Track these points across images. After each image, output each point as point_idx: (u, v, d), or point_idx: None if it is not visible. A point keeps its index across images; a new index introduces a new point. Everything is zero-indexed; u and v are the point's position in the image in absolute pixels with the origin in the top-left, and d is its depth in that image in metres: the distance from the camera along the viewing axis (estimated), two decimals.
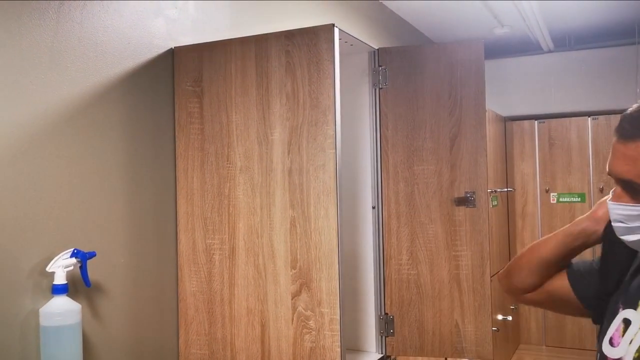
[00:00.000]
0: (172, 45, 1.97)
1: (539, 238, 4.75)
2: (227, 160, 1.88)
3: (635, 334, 0.99)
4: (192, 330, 1.92)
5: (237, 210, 1.86)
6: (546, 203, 4.81)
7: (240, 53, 1.86)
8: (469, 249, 1.99)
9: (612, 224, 1.00)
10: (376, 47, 2.11)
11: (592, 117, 4.69)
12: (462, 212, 1.99)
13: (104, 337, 1.71)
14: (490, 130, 4.12)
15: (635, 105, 0.99)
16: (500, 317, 4.01)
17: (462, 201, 1.98)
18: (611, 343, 1.04)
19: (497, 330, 3.89)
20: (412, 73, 2.06)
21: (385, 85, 2.08)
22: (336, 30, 1.75)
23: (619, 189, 0.99)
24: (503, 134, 4.63)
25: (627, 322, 1.03)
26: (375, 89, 2.10)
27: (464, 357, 2.03)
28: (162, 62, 1.93)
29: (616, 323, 1.04)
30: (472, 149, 2.00)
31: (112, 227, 1.74)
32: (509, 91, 4.95)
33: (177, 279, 1.95)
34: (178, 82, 1.95)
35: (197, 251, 1.91)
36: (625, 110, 1.04)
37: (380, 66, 2.08)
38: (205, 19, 2.11)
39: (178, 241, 1.95)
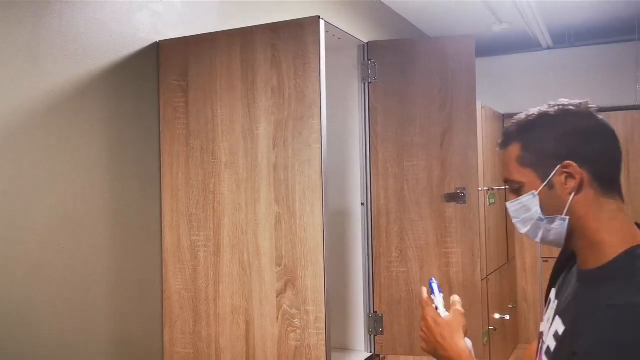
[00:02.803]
0: (158, 39, 1.93)
1: None
2: (213, 156, 1.85)
3: (551, 310, 1.15)
4: (177, 328, 1.88)
5: (222, 206, 1.83)
6: None
7: (226, 47, 1.83)
8: (460, 246, 1.95)
9: (513, 222, 1.16)
10: (366, 41, 2.07)
11: None
12: (452, 208, 1.96)
13: (87, 336, 1.68)
14: (488, 127, 4.08)
15: (511, 122, 1.17)
16: (497, 316, 3.97)
17: (453, 197, 1.95)
18: (542, 319, 1.22)
19: (495, 330, 3.85)
20: (403, 67, 2.02)
21: (375, 79, 2.04)
22: (322, 23, 1.71)
23: (509, 191, 1.16)
24: (501, 131, 4.58)
25: (548, 302, 1.20)
26: (364, 84, 2.06)
27: None
28: (147, 56, 1.90)
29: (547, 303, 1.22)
30: (462, 145, 1.97)
31: (94, 224, 1.71)
32: (508, 88, 4.91)
33: (162, 277, 1.92)
34: (163, 77, 1.92)
35: (182, 248, 1.88)
36: (623, 107, 1.19)
37: (370, 60, 2.05)
38: (191, 12, 2.07)
39: (163, 238, 1.92)
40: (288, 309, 1.72)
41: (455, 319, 1.28)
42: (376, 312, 2.02)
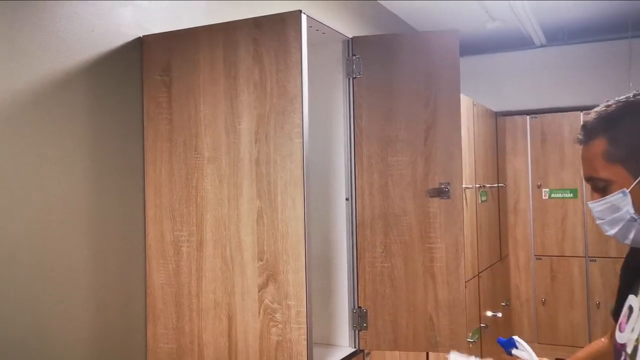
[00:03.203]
0: (141, 33, 1.93)
1: (531, 234, 4.72)
2: (195, 151, 1.84)
3: (636, 320, 1.04)
4: (160, 323, 1.88)
5: (204, 201, 1.82)
6: (538, 199, 4.76)
7: (208, 42, 1.83)
8: (444, 241, 1.95)
9: (597, 222, 1.09)
10: (351, 36, 2.07)
11: (584, 112, 4.64)
12: (436, 203, 1.95)
13: (69, 331, 1.67)
14: (480, 125, 4.07)
15: (590, 115, 1.11)
16: (489, 313, 3.97)
17: (437, 192, 1.94)
18: (620, 329, 1.10)
19: (487, 327, 3.85)
20: (387, 62, 2.02)
21: (360, 74, 2.04)
22: (304, 18, 1.71)
23: (591, 190, 1.10)
24: (494, 129, 4.58)
25: (631, 309, 1.08)
26: (349, 79, 2.06)
27: (439, 351, 1.99)
28: (130, 51, 1.90)
29: (624, 310, 1.10)
30: (446, 140, 1.97)
31: (76, 220, 1.71)
32: (502, 86, 4.90)
33: (146, 272, 1.91)
34: (147, 72, 1.92)
35: (165, 243, 1.88)
36: None
37: (355, 55, 2.04)
38: (176, 7, 2.07)
39: (146, 233, 1.91)
40: (270, 303, 1.72)
41: None
42: (360, 307, 2.02)
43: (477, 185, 3.83)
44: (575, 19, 4.40)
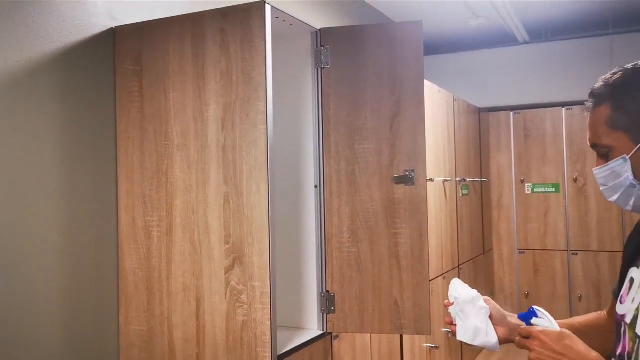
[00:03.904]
0: (113, 24, 1.98)
1: (514, 229, 4.78)
2: (166, 138, 1.90)
3: (637, 291, 1.04)
4: (132, 307, 1.93)
5: (174, 187, 1.88)
6: (521, 194, 4.82)
7: (178, 32, 1.88)
8: (408, 226, 2.00)
9: (601, 190, 1.10)
10: (319, 28, 2.12)
11: (566, 107, 4.71)
12: (401, 190, 2.01)
13: (41, 317, 1.72)
14: (462, 120, 4.13)
15: (598, 83, 1.11)
16: None
17: (402, 179, 2.00)
18: (621, 301, 1.11)
19: None
20: (354, 53, 2.07)
21: (328, 65, 2.09)
22: (268, 8, 1.76)
23: (597, 157, 1.09)
24: (477, 124, 4.64)
25: (632, 281, 1.08)
26: (318, 69, 2.12)
27: (404, 333, 2.04)
28: (103, 42, 1.95)
29: (625, 284, 1.11)
30: (411, 128, 2.02)
31: (47, 208, 1.75)
32: (485, 83, 4.97)
33: (118, 257, 1.97)
34: (119, 62, 1.97)
35: (137, 229, 1.93)
36: None
37: (323, 46, 2.10)
38: None
39: (119, 219, 1.97)
40: (236, 285, 1.77)
41: (568, 331, 1.10)
42: (328, 291, 2.07)
43: (457, 179, 3.89)
44: (557, 17, 4.46)
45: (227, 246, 1.79)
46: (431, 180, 3.27)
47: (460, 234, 3.89)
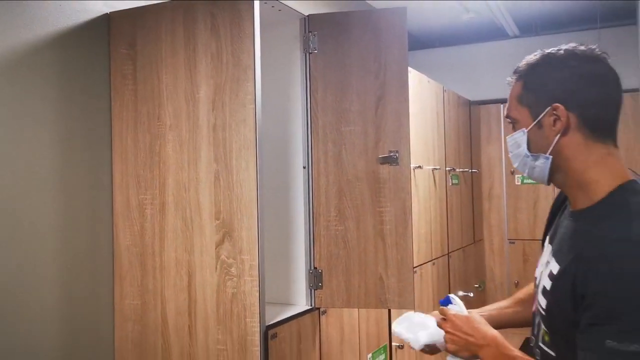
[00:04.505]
0: (108, 10, 2.05)
1: (505, 219, 4.86)
2: (158, 120, 1.97)
3: (547, 253, 1.21)
4: (126, 282, 2.01)
5: (166, 166, 1.95)
6: (511, 185, 4.90)
7: (170, 16, 1.95)
8: (393, 205, 2.08)
9: (509, 155, 1.24)
10: (307, 14, 2.20)
11: None
12: (386, 170, 2.08)
13: (39, 293, 1.79)
14: (452, 112, 4.21)
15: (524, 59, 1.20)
16: (461, 292, 4.10)
17: (386, 160, 2.07)
18: (537, 266, 1.28)
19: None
20: (341, 38, 2.15)
21: (316, 50, 2.17)
22: None
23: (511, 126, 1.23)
24: (467, 117, 4.72)
25: (545, 247, 1.26)
26: (306, 54, 2.19)
27: (388, 307, 2.12)
28: (98, 27, 2.02)
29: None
30: (395, 111, 2.09)
31: (44, 189, 1.82)
32: (477, 76, 5.04)
33: (113, 235, 2.04)
34: (113, 46, 2.04)
35: (131, 207, 2.00)
36: None
37: (311, 32, 2.17)
38: None
39: (113, 199, 2.04)
40: (225, 258, 1.85)
41: (475, 315, 1.35)
42: (316, 268, 2.14)
43: (447, 168, 3.96)
44: (546, 12, 4.55)
45: (217, 222, 1.87)
46: (420, 167, 3.34)
47: (450, 222, 3.97)
